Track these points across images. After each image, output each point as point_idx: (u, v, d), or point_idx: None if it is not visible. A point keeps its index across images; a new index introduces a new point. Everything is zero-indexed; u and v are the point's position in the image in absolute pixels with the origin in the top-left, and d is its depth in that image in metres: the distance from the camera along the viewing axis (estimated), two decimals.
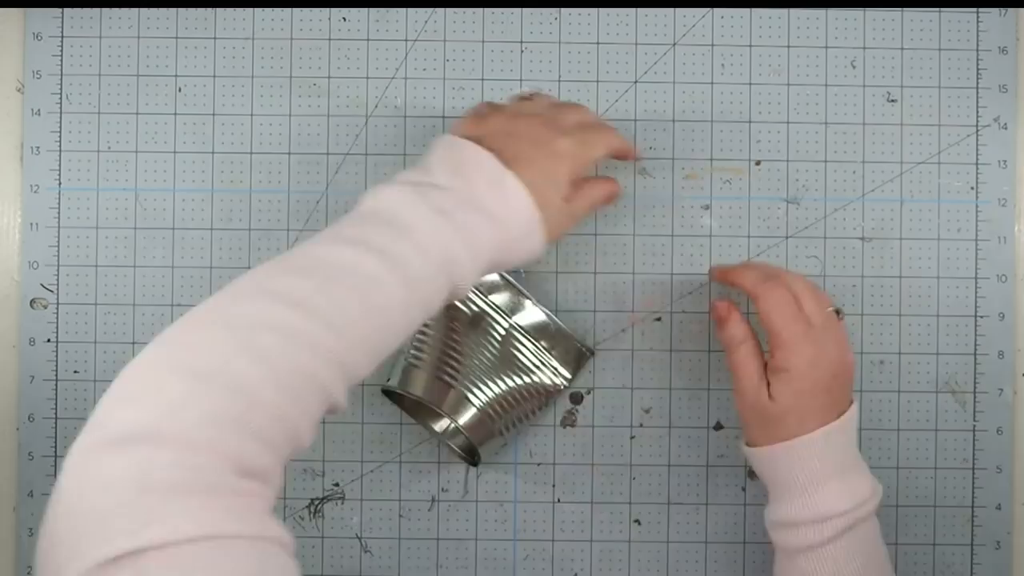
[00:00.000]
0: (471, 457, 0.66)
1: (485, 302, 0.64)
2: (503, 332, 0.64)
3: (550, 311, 0.65)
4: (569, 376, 0.66)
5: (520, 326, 0.64)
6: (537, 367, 0.64)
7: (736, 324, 0.61)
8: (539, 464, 0.68)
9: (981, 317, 0.69)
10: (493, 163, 0.53)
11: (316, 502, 0.68)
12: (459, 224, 0.51)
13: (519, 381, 0.64)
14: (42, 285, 0.68)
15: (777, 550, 0.61)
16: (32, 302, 0.68)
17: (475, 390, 0.62)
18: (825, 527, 0.57)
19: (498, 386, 0.63)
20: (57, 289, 0.68)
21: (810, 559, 0.58)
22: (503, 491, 0.68)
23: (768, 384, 0.59)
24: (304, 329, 0.44)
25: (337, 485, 0.69)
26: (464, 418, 0.62)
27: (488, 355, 0.63)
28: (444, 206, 0.51)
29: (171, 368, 0.42)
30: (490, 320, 0.64)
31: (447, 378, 0.62)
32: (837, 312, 0.61)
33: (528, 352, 0.64)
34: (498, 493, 0.68)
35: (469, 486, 0.68)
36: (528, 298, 0.65)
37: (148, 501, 0.38)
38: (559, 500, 0.68)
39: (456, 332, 0.64)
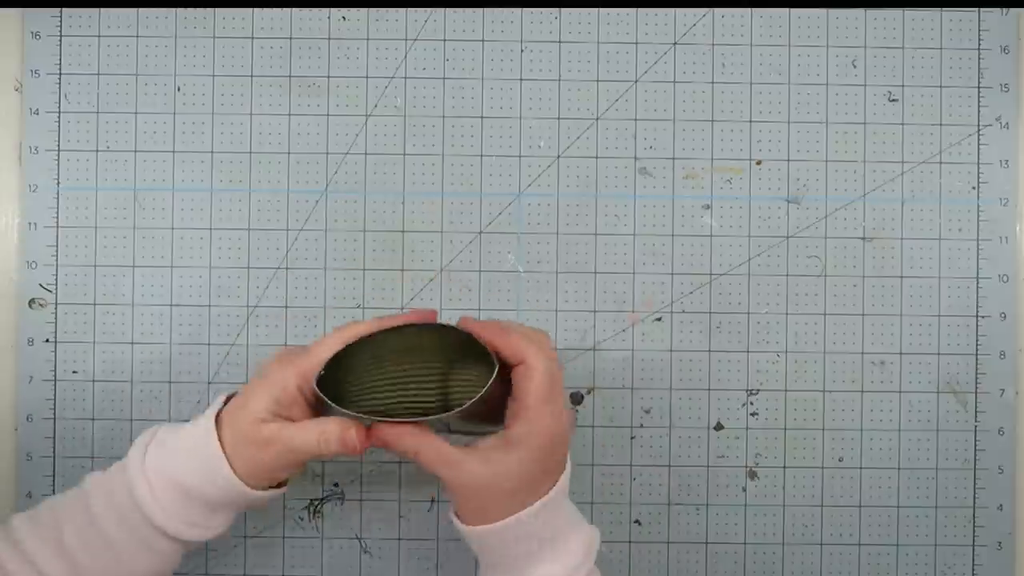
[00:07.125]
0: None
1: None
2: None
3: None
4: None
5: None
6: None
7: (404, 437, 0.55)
8: None
9: (982, 317, 0.68)
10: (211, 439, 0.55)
11: (316, 503, 0.68)
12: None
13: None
14: (41, 285, 0.68)
15: None
16: (31, 302, 0.68)
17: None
18: None
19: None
20: (56, 289, 0.68)
21: None
22: None
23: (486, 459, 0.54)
24: None
25: (337, 485, 0.68)
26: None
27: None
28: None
29: None
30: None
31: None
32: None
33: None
34: None
35: None
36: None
37: None
38: None
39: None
